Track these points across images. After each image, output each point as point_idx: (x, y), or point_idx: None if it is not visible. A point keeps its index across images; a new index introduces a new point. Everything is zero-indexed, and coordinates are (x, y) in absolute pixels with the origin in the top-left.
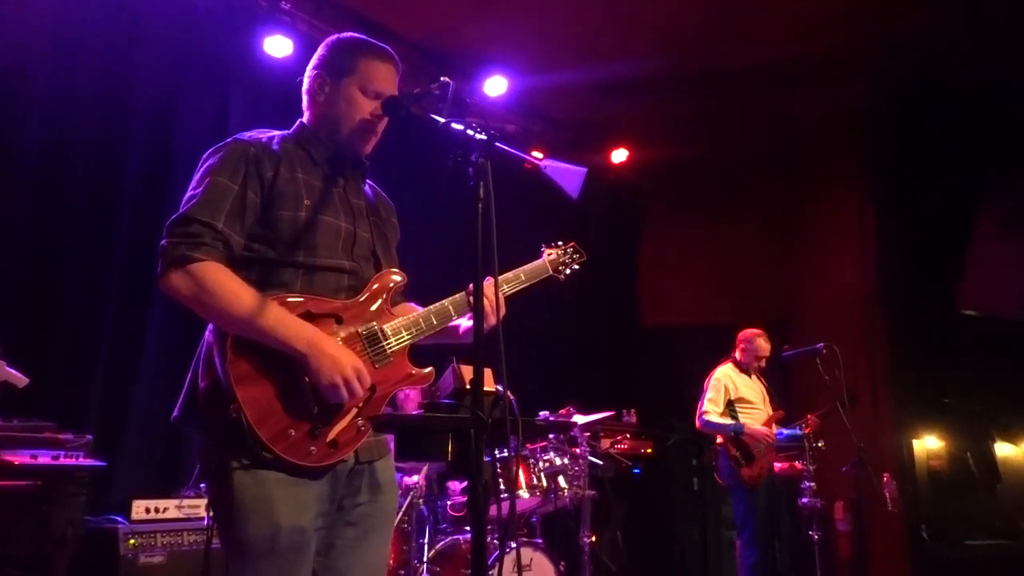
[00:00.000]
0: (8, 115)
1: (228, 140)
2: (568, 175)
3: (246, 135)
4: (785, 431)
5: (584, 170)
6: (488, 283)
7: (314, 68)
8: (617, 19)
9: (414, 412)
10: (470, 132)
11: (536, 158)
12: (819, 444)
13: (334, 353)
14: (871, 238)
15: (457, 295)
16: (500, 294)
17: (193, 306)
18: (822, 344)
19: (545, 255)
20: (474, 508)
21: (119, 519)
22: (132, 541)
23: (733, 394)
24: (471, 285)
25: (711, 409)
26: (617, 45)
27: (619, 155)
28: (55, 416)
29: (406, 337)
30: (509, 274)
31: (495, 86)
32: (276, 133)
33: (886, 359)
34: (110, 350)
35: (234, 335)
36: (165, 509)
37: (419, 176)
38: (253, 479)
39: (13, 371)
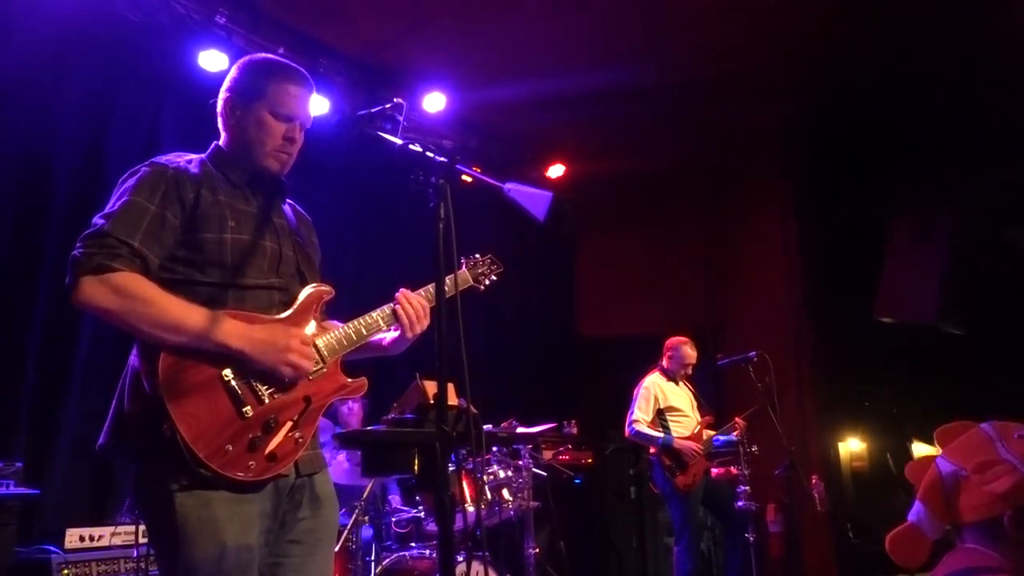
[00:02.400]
0: None
1: (145, 163)
2: (534, 199)
3: (163, 158)
4: (721, 438)
5: (550, 194)
6: (410, 294)
7: (226, 91)
8: (553, 36)
9: (358, 427)
10: (429, 154)
11: (498, 181)
12: (753, 449)
13: (265, 336)
14: (795, 250)
15: (384, 307)
16: (426, 304)
17: (114, 317)
18: (754, 352)
19: (465, 266)
20: (441, 520)
21: (52, 548)
22: (66, 571)
23: (663, 403)
24: (397, 295)
25: (641, 418)
26: (553, 62)
27: (556, 170)
28: None
29: (338, 349)
30: (431, 286)
31: (433, 102)
32: (193, 156)
33: (811, 365)
34: (38, 375)
35: (164, 352)
36: (100, 537)
37: (361, 189)
38: (195, 500)
39: None
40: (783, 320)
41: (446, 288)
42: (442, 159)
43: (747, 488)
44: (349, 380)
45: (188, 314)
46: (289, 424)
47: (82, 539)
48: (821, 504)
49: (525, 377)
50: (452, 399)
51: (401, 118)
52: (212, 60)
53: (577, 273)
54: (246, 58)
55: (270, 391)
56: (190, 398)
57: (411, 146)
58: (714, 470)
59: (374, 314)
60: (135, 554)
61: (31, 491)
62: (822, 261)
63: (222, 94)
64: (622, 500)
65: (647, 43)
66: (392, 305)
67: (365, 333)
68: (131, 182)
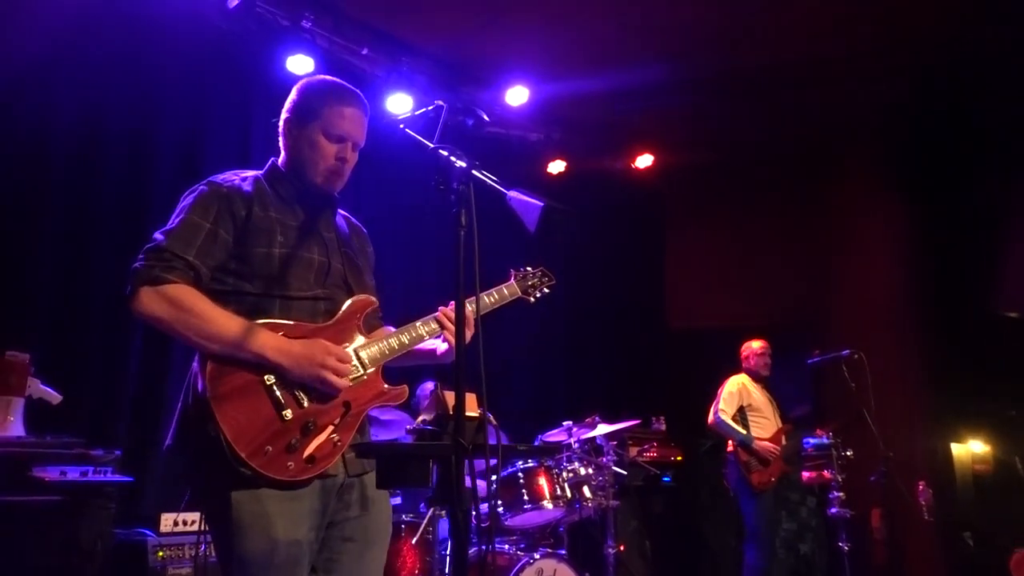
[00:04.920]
0: (37, 137)
1: (203, 183)
2: (527, 208)
3: (219, 177)
4: (812, 440)
5: (541, 204)
6: (449, 310)
7: (285, 112)
8: (635, 22)
9: None
10: (452, 159)
11: (504, 188)
12: (847, 453)
13: (303, 350)
14: (902, 238)
15: (428, 317)
16: (470, 315)
17: (165, 325)
18: (848, 351)
19: (513, 278)
20: (456, 534)
21: (147, 532)
22: (160, 553)
23: (746, 401)
24: (441, 307)
25: (727, 409)
26: (637, 48)
27: (644, 160)
28: (85, 432)
29: (379, 358)
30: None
31: (516, 95)
32: (249, 174)
33: (920, 362)
34: (139, 367)
35: (212, 357)
36: (192, 522)
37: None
38: (248, 496)
39: (47, 388)
40: (888, 313)
41: (491, 301)
42: (461, 164)
43: (840, 494)
44: (388, 387)
45: (229, 325)
46: (329, 428)
47: (176, 523)
48: (928, 512)
49: (612, 371)
50: (473, 409)
51: (442, 121)
52: (299, 64)
53: (667, 264)
54: (304, 80)
55: (310, 396)
56: (233, 400)
57: (440, 151)
58: (805, 474)
59: (418, 324)
60: (199, 541)
61: (127, 479)
62: (932, 249)
63: (282, 115)
64: (719, 498)
65: (740, 24)
66: (437, 317)
67: (407, 343)
68: (188, 201)
